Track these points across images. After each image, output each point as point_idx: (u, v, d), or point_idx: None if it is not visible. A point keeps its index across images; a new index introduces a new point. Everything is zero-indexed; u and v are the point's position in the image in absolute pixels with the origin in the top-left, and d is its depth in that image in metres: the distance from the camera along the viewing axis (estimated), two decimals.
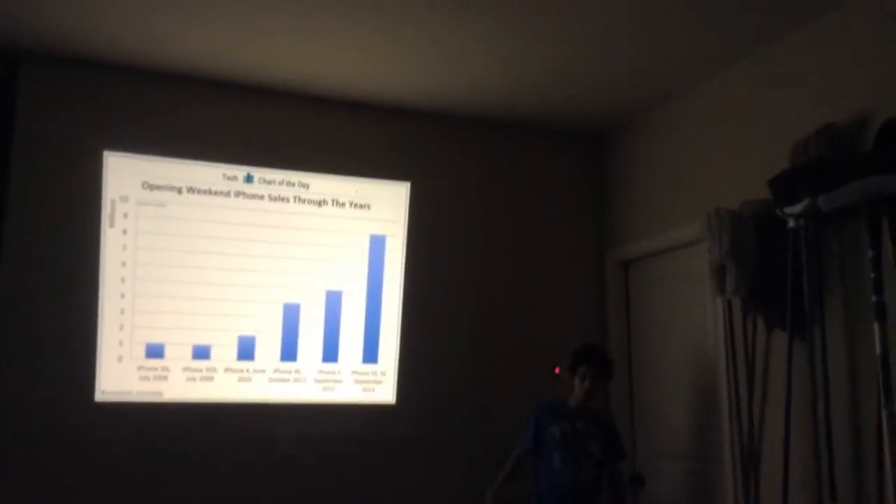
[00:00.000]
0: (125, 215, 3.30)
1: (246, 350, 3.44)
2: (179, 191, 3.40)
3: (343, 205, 3.67)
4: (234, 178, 3.50)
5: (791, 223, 2.84)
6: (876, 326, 2.51)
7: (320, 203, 3.63)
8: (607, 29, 3.07)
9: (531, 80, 3.54)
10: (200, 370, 3.36)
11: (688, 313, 3.62)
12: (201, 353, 3.37)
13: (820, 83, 2.93)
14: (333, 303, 3.60)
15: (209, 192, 3.45)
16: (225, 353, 3.41)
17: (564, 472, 3.18)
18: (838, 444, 2.69)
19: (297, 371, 3.51)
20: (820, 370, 2.76)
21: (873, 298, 2.53)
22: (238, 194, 3.50)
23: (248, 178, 3.53)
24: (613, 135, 4.18)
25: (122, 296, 3.26)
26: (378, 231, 3.70)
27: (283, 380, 3.48)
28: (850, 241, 2.74)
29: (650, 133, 3.92)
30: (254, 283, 3.48)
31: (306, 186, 3.61)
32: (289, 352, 3.51)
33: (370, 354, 3.64)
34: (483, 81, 3.56)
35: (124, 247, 3.29)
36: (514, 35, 3.11)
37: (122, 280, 3.27)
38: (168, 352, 3.32)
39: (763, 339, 3.08)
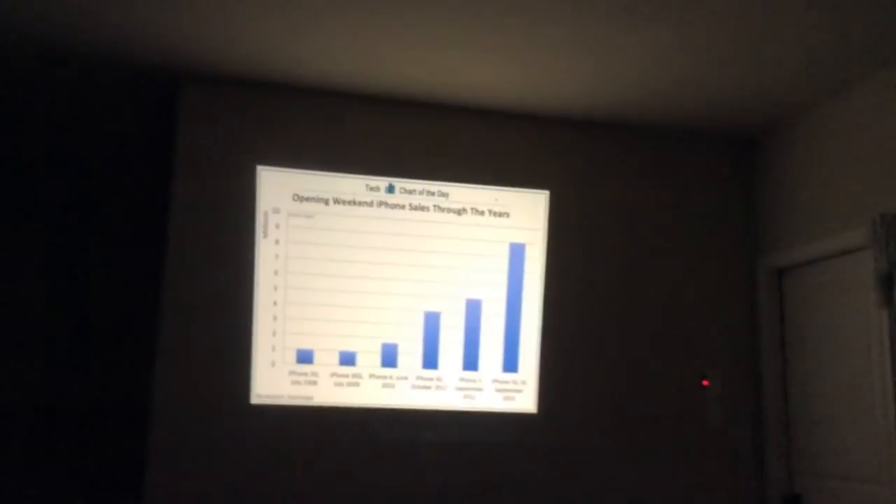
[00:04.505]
0: (277, 226, 3.46)
1: (389, 357, 3.52)
2: (326, 202, 3.52)
3: (482, 213, 3.68)
4: (377, 189, 3.59)
5: None
6: None
7: (459, 212, 3.66)
8: (763, 27, 2.92)
9: (682, 81, 3.42)
10: (347, 376, 3.46)
11: (850, 325, 3.38)
12: (348, 359, 3.47)
13: None
14: (473, 311, 3.62)
15: (353, 202, 3.56)
16: (369, 359, 3.50)
17: None
18: None
19: (438, 379, 3.55)
20: None
21: None
22: (380, 204, 3.59)
23: (390, 189, 3.61)
24: (766, 136, 3.97)
25: (275, 303, 3.41)
26: (517, 239, 3.69)
27: (425, 387, 3.54)
28: None
29: (807, 134, 3.69)
30: (396, 291, 3.56)
31: (446, 195, 3.65)
32: (430, 360, 3.56)
33: (510, 363, 3.64)
34: (630, 85, 3.47)
35: (276, 256, 3.45)
36: (666, 36, 3.01)
37: (275, 288, 3.42)
38: (317, 357, 3.44)
39: None
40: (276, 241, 3.46)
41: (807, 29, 2.94)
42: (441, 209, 3.65)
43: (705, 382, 3.77)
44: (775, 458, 3.72)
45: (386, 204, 3.60)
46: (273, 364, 3.40)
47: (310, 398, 3.41)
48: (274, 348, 3.40)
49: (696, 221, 3.96)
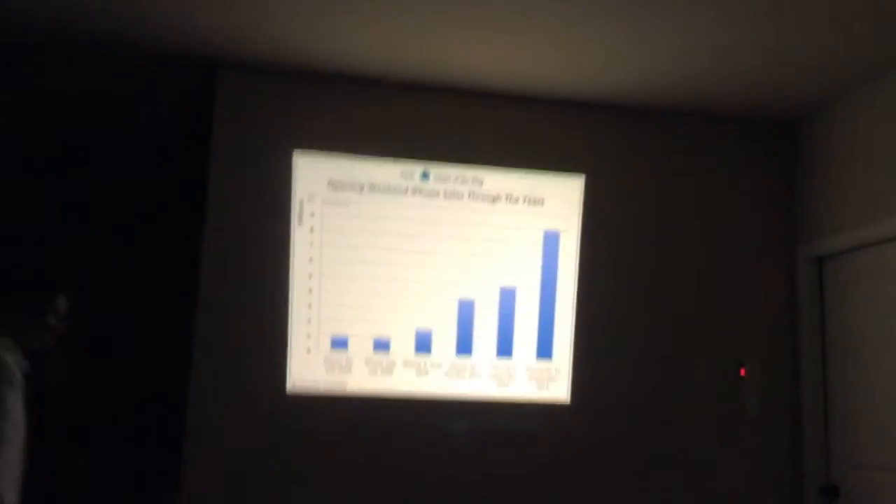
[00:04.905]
0: (312, 214, 3.47)
1: (423, 344, 3.52)
2: (361, 189, 3.53)
3: (517, 200, 3.66)
4: (411, 176, 3.59)
5: None
6: None
7: (494, 199, 3.64)
8: (802, 8, 2.85)
9: (719, 64, 3.35)
10: (381, 363, 3.47)
11: (891, 315, 3.30)
12: (382, 345, 3.48)
13: None
14: (507, 299, 3.60)
15: (388, 189, 3.56)
16: (404, 346, 3.50)
17: None
18: None
19: (472, 366, 3.55)
20: None
21: None
22: (415, 192, 3.58)
23: (424, 176, 3.60)
24: (806, 120, 3.88)
25: (310, 290, 3.43)
26: (552, 227, 3.67)
27: (458, 375, 3.54)
28: None
29: (849, 116, 3.60)
30: (430, 278, 3.56)
31: (480, 182, 3.63)
32: (464, 346, 3.56)
33: (544, 351, 3.62)
34: (666, 69, 3.41)
35: (311, 244, 3.46)
36: (702, 18, 2.95)
37: (310, 276, 3.44)
38: (351, 344, 3.46)
39: None
40: (311, 229, 3.47)
41: (847, 10, 2.86)
42: (476, 196, 3.63)
43: (742, 372, 3.72)
44: (813, 448, 3.67)
45: (420, 191, 3.59)
46: (308, 350, 3.42)
47: (343, 384, 3.43)
48: (309, 335, 3.42)
49: (735, 207, 3.89)
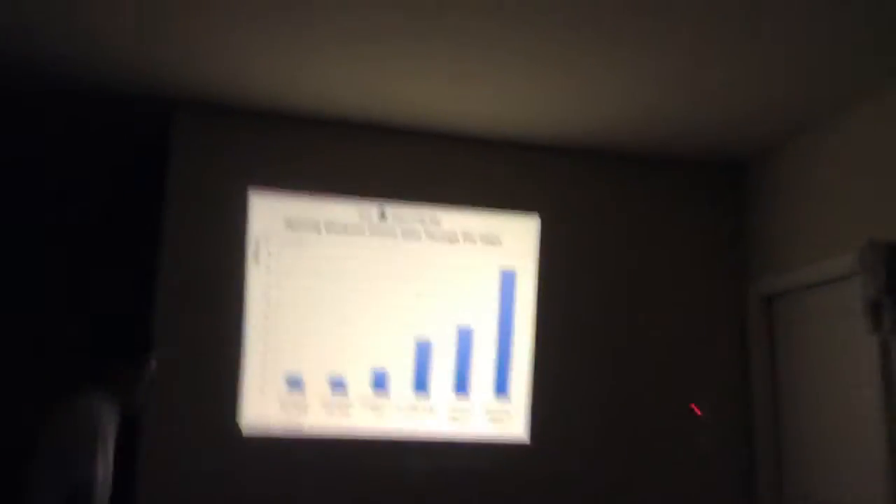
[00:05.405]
0: (269, 253, 3.46)
1: (380, 383, 3.50)
2: (318, 229, 3.53)
3: (474, 240, 3.70)
4: (369, 216, 3.60)
5: None
6: None
7: (451, 239, 3.67)
8: (749, 56, 2.96)
9: (669, 109, 3.46)
10: (337, 403, 3.44)
11: (840, 351, 3.39)
12: (338, 385, 3.46)
13: None
14: (464, 339, 3.61)
15: (345, 229, 3.57)
16: (360, 386, 3.48)
17: None
18: None
19: (429, 406, 3.54)
20: None
21: None
22: (372, 231, 3.60)
23: (382, 216, 3.62)
24: (753, 163, 4.01)
25: (265, 330, 3.40)
26: (508, 266, 3.70)
27: (415, 413, 3.52)
28: None
29: (794, 160, 3.73)
30: (386, 317, 3.56)
31: (438, 222, 3.67)
32: (421, 386, 3.55)
33: (501, 390, 3.63)
34: (618, 114, 3.51)
35: (267, 283, 3.44)
36: (651, 64, 3.05)
37: (266, 316, 3.41)
38: (307, 384, 3.43)
39: None
40: (268, 269, 3.45)
41: (793, 57, 2.97)
42: (433, 236, 3.66)
43: (695, 410, 3.77)
44: (766, 483, 3.72)
45: (378, 231, 3.61)
46: (262, 391, 3.38)
47: (300, 425, 3.39)
48: (263, 375, 3.38)
49: (686, 247, 3.99)
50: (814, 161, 3.61)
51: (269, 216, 3.49)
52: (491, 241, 3.70)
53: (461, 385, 3.59)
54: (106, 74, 3.23)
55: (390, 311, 3.55)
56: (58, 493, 2.04)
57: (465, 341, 3.61)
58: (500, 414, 3.61)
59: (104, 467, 2.14)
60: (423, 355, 3.56)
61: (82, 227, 4.21)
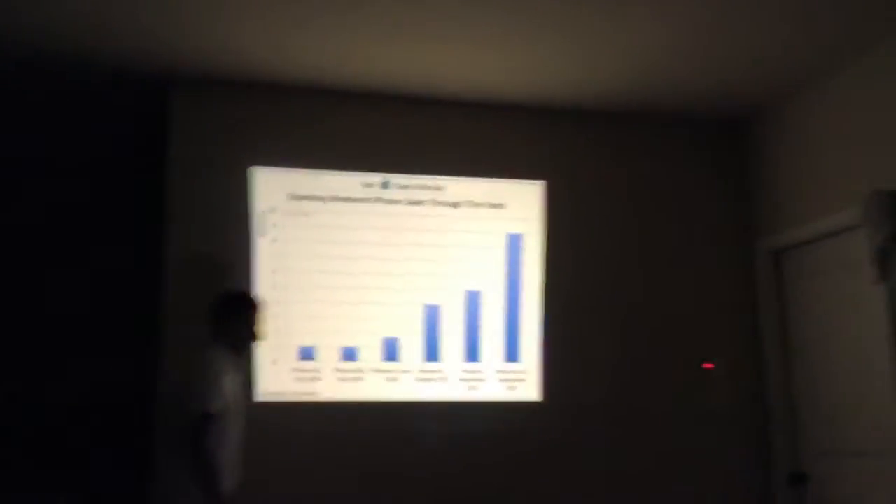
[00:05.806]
0: (274, 225, 3.48)
1: (391, 351, 3.54)
2: (323, 200, 3.54)
3: (478, 205, 3.70)
4: (372, 185, 3.61)
5: None
6: None
7: (455, 204, 3.68)
8: (750, 11, 2.93)
9: (672, 68, 3.43)
10: (350, 371, 3.48)
11: (849, 302, 3.38)
12: (349, 354, 3.49)
13: None
14: (473, 302, 3.63)
15: (349, 199, 3.58)
16: (371, 354, 3.51)
17: None
18: None
19: (440, 371, 3.57)
20: None
21: None
22: (376, 200, 3.61)
23: (385, 185, 3.63)
24: (758, 119, 3.97)
25: (275, 302, 3.43)
26: (514, 229, 3.71)
27: (428, 379, 3.55)
28: None
29: (799, 115, 3.70)
30: (395, 285, 3.57)
31: (441, 189, 3.67)
32: (432, 352, 3.57)
33: (512, 353, 3.65)
34: (621, 74, 3.49)
35: (275, 255, 3.47)
36: (653, 23, 3.03)
37: (274, 287, 3.44)
38: (319, 354, 3.47)
39: None
40: (274, 240, 3.48)
41: (796, 11, 2.94)
42: (437, 203, 3.67)
43: (707, 365, 3.78)
44: (780, 437, 3.73)
45: (382, 200, 3.62)
46: (275, 362, 3.42)
47: (313, 394, 3.44)
48: (276, 346, 3.42)
49: (693, 206, 3.97)
50: (816, 115, 3.58)
51: (273, 189, 3.51)
52: (496, 205, 3.70)
53: (472, 353, 3.61)
54: (104, 50, 3.23)
55: (398, 278, 3.57)
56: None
57: (473, 304, 3.63)
58: (511, 375, 3.63)
59: (232, 392, 2.95)
60: (432, 320, 3.58)
61: (85, 208, 4.26)
